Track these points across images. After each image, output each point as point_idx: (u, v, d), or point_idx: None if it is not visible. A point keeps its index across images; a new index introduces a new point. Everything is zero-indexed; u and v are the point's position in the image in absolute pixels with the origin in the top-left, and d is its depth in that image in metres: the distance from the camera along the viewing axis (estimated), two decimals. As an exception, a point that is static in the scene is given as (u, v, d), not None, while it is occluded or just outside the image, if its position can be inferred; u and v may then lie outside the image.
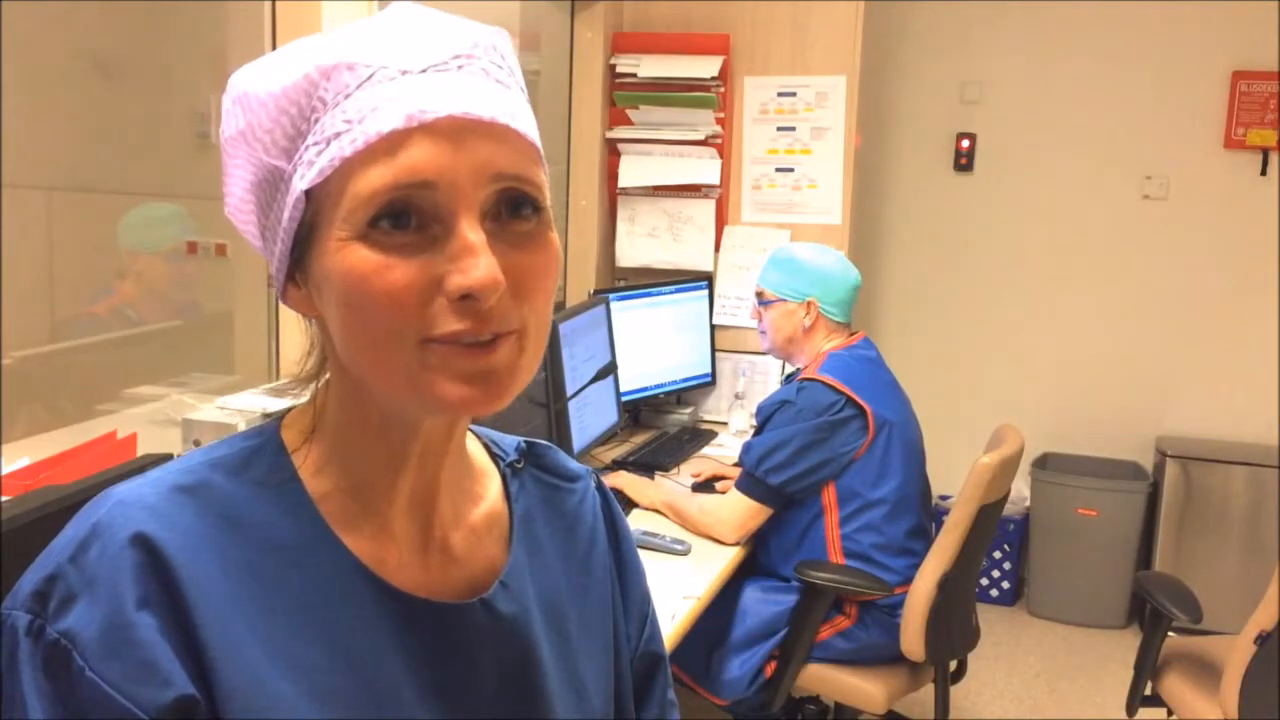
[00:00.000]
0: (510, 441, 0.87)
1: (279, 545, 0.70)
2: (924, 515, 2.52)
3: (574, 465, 0.90)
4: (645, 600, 0.92)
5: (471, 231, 0.63)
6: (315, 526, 0.71)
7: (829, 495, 2.43)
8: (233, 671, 0.65)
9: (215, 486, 0.70)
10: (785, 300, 2.58)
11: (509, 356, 0.66)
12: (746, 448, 2.47)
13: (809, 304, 2.55)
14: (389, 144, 0.63)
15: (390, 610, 0.71)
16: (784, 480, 2.38)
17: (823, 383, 2.43)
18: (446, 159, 0.63)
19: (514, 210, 0.66)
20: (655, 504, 2.53)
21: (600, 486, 0.92)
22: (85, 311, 2.47)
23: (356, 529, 0.72)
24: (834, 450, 2.40)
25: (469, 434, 0.83)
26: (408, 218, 0.63)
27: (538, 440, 0.89)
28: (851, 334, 2.61)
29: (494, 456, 0.85)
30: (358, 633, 0.70)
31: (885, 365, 2.59)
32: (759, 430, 2.50)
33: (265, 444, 0.73)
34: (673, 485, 2.68)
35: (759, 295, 2.65)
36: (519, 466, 0.85)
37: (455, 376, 0.65)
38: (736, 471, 2.55)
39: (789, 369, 2.79)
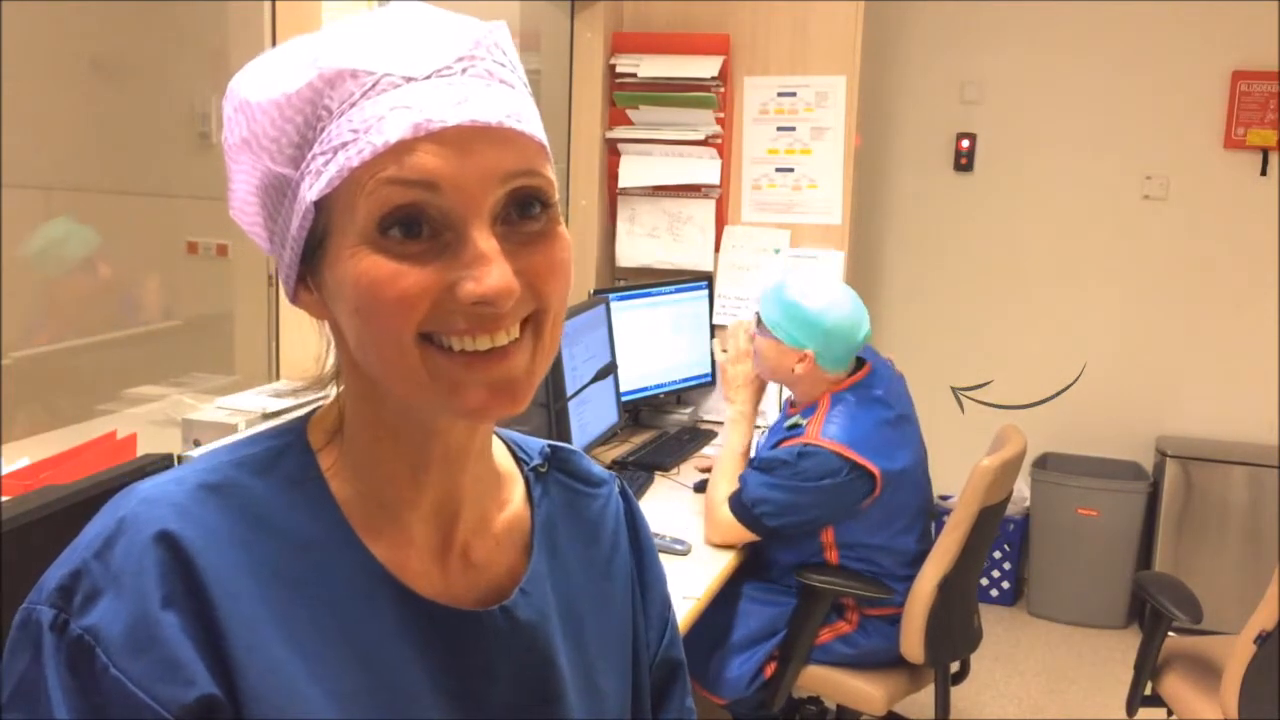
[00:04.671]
0: (535, 445, 0.86)
1: (303, 545, 0.69)
2: (923, 541, 2.47)
3: (598, 470, 0.90)
4: (666, 606, 0.91)
5: (483, 240, 0.63)
6: (339, 528, 0.71)
7: (827, 536, 2.39)
8: (257, 671, 0.65)
9: (241, 485, 0.69)
10: (779, 340, 2.40)
11: (524, 360, 0.67)
12: (744, 479, 2.34)
13: (804, 355, 2.36)
14: (396, 153, 0.62)
15: (411, 615, 0.71)
16: (778, 525, 2.31)
17: (827, 449, 2.27)
18: (454, 165, 0.63)
19: (523, 210, 0.66)
20: (726, 447, 2.44)
21: (624, 492, 0.91)
22: (27, 356, 2.35)
23: (378, 532, 0.72)
24: (834, 507, 2.32)
25: (493, 437, 0.82)
26: (419, 226, 0.63)
27: (562, 444, 0.88)
28: (858, 365, 2.45)
29: (518, 460, 0.84)
30: (379, 636, 0.70)
31: (892, 396, 2.42)
32: (759, 468, 2.35)
33: (292, 444, 0.73)
34: (735, 461, 2.44)
35: (757, 318, 2.48)
36: (543, 471, 0.84)
37: (474, 384, 0.65)
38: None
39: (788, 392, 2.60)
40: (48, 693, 0.62)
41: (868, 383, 2.41)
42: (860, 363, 2.46)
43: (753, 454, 2.51)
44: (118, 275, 2.55)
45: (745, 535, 2.34)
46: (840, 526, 2.37)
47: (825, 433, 2.30)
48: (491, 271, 0.63)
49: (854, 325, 2.37)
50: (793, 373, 2.40)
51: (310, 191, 0.65)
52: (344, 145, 0.63)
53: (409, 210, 0.63)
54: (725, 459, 2.45)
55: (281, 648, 0.66)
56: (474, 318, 0.64)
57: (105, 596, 0.63)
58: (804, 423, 2.37)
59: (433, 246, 0.64)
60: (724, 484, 2.39)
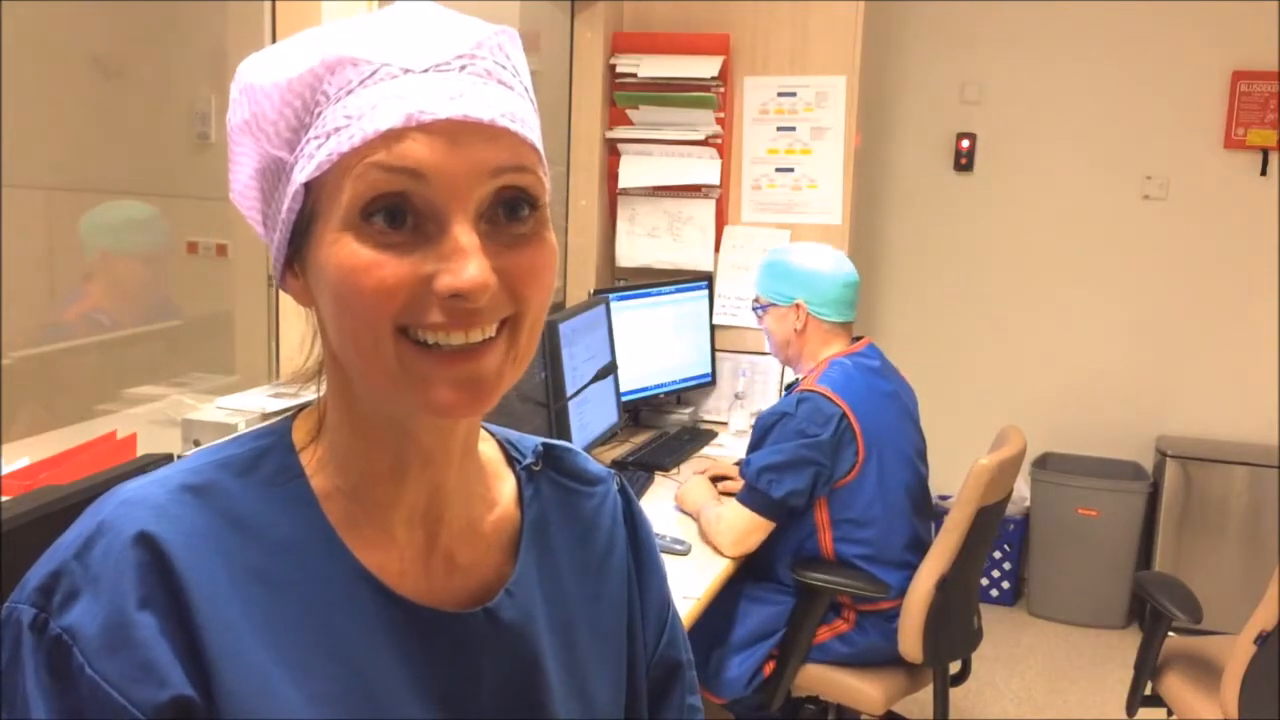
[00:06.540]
0: (529, 443, 0.85)
1: (284, 547, 0.69)
2: (920, 525, 2.49)
3: (595, 468, 0.88)
4: (665, 605, 0.90)
5: (463, 234, 0.64)
6: (320, 529, 0.71)
7: (822, 514, 2.41)
8: (234, 673, 0.64)
9: (223, 487, 0.69)
10: (776, 304, 2.55)
11: (496, 361, 0.67)
12: (746, 462, 2.41)
13: (797, 306, 2.51)
14: (385, 141, 0.63)
15: (393, 617, 0.71)
16: (786, 493, 2.33)
17: (822, 395, 2.38)
18: (442, 156, 0.63)
19: (511, 212, 0.66)
20: (691, 509, 2.50)
21: (623, 489, 0.90)
22: (54, 320, 2.39)
23: (359, 533, 0.72)
24: (828, 464, 2.36)
25: (485, 434, 0.82)
26: (403, 216, 0.64)
27: (558, 442, 0.87)
28: (856, 339, 2.57)
29: (510, 459, 0.83)
30: (360, 638, 0.70)
31: (889, 373, 2.53)
32: (757, 444, 2.43)
33: (275, 444, 0.73)
34: (706, 495, 2.54)
35: (755, 301, 2.63)
36: (536, 469, 0.83)
37: (442, 381, 0.65)
38: (736, 470, 2.54)
39: (790, 377, 2.73)
40: (26, 692, 0.62)
41: (865, 353, 2.52)
42: (860, 338, 2.58)
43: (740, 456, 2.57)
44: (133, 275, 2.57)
45: (756, 528, 2.35)
46: (834, 501, 2.39)
47: (819, 381, 2.42)
48: (468, 265, 0.63)
49: (835, 265, 2.54)
50: (796, 334, 2.52)
51: (301, 174, 0.65)
52: (336, 130, 0.64)
53: (394, 199, 0.63)
54: (701, 509, 2.45)
55: (260, 649, 0.66)
56: (449, 311, 0.64)
57: (83, 597, 0.63)
58: (801, 378, 2.53)
59: (414, 238, 0.64)
60: (710, 501, 2.45)
